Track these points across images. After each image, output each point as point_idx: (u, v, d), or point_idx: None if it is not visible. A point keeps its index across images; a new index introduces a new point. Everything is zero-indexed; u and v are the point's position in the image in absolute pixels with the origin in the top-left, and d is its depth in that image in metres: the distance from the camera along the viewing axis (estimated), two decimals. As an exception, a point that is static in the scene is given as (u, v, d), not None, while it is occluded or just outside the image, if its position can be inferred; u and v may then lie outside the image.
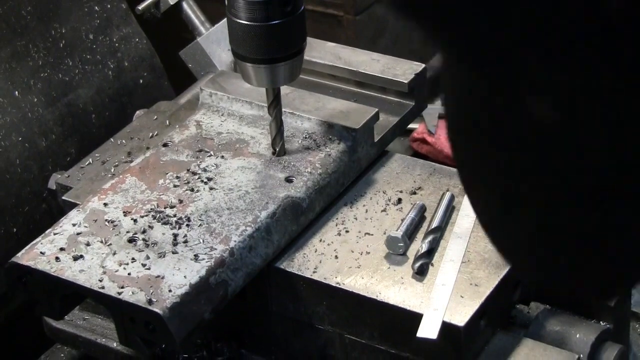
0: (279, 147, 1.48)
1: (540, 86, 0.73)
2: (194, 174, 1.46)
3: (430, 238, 1.39)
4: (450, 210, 1.45)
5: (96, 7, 1.99)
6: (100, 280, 1.31)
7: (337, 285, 1.36)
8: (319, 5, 2.70)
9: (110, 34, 2.00)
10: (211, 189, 1.44)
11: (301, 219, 1.44)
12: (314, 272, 1.38)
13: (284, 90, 1.51)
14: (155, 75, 2.07)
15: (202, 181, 1.45)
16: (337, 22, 2.70)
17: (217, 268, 1.33)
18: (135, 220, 1.39)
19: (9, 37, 1.87)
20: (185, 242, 1.36)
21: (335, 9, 2.70)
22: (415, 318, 1.31)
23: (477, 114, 0.80)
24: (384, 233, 1.42)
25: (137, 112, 1.73)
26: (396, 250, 1.40)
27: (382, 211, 1.47)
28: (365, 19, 2.73)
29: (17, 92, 1.86)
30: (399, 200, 1.48)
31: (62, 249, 1.36)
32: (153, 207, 1.41)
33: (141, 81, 2.04)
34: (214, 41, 1.80)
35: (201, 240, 1.36)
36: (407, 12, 0.76)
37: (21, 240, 1.74)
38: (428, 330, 1.29)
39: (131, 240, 1.36)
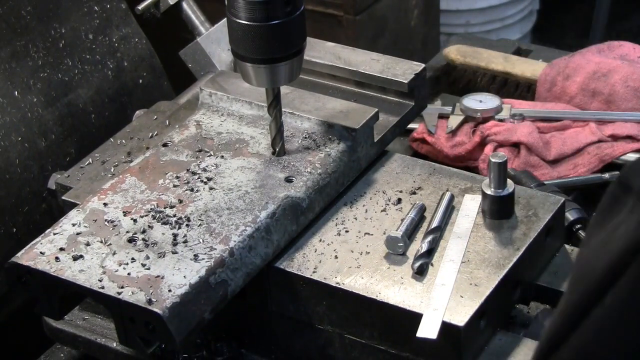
0: (278, 147, 1.48)
1: None
2: (194, 173, 1.46)
3: (430, 238, 1.39)
4: (449, 210, 1.45)
5: (96, 7, 1.99)
6: (100, 280, 1.31)
7: (337, 285, 1.36)
8: (319, 5, 2.70)
9: (110, 34, 2.00)
10: (211, 189, 1.44)
11: (301, 219, 1.44)
12: (314, 272, 1.38)
13: (284, 90, 1.51)
14: (154, 75, 2.07)
15: (201, 181, 1.45)
16: (337, 22, 2.70)
17: (216, 268, 1.33)
18: (135, 220, 1.39)
19: (9, 37, 1.87)
20: (185, 242, 1.36)
21: (335, 9, 2.70)
22: (415, 318, 1.31)
23: None
24: (384, 233, 1.42)
25: (137, 112, 1.73)
26: (396, 250, 1.40)
27: (381, 211, 1.47)
28: (365, 19, 2.73)
29: (16, 92, 1.86)
30: (399, 200, 1.48)
31: (61, 249, 1.36)
32: (153, 207, 1.41)
33: (141, 81, 2.04)
34: (214, 41, 1.80)
35: (201, 240, 1.36)
36: None
37: (21, 240, 1.74)
38: (428, 330, 1.29)
39: (131, 240, 1.36)
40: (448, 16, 3.27)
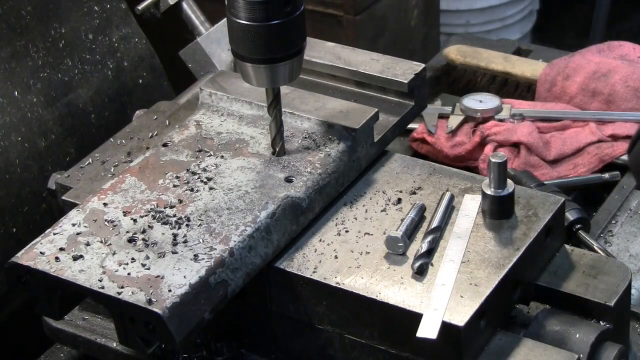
0: (278, 147, 1.48)
1: None
2: (194, 173, 1.46)
3: (429, 238, 1.39)
4: (449, 210, 1.45)
5: (96, 7, 1.99)
6: (100, 280, 1.31)
7: (337, 285, 1.36)
8: (319, 5, 2.71)
9: (110, 34, 2.00)
10: (211, 188, 1.44)
11: (301, 219, 1.44)
12: (314, 272, 1.38)
13: (284, 90, 1.51)
14: (154, 75, 2.07)
15: (201, 181, 1.45)
16: (337, 22, 2.71)
17: (216, 268, 1.33)
18: (135, 220, 1.39)
19: (9, 37, 1.87)
20: (185, 242, 1.36)
21: (335, 9, 2.70)
22: (415, 318, 1.31)
23: None
24: (384, 233, 1.42)
25: (137, 112, 1.73)
26: (396, 250, 1.40)
27: (381, 211, 1.47)
28: (365, 19, 2.73)
29: (16, 92, 1.86)
30: (399, 200, 1.48)
31: (61, 249, 1.36)
32: (153, 207, 1.41)
33: (141, 81, 2.05)
34: (214, 41, 1.80)
35: (201, 240, 1.36)
36: None
37: (21, 240, 1.74)
38: (428, 330, 1.29)
39: (131, 240, 1.36)
40: (448, 16, 3.27)
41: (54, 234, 1.38)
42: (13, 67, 1.86)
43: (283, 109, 1.48)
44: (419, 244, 1.39)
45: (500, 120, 1.89)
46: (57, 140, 1.90)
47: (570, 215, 1.64)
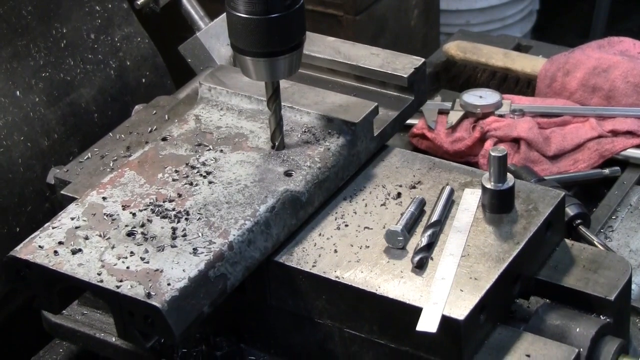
0: (278, 141, 1.48)
1: None
2: (193, 167, 1.46)
3: (429, 232, 1.39)
4: (449, 204, 1.45)
5: (97, 7, 1.99)
6: (99, 274, 1.31)
7: (337, 279, 1.36)
8: (319, 5, 2.71)
9: (112, 33, 2.00)
10: (210, 182, 1.44)
11: (300, 213, 1.44)
12: (313, 266, 1.38)
13: (284, 84, 1.51)
14: (157, 74, 2.07)
15: (201, 175, 1.45)
16: (337, 22, 2.71)
17: (216, 262, 1.33)
18: (134, 214, 1.39)
19: (10, 37, 1.87)
20: (184, 235, 1.36)
21: (335, 9, 2.70)
22: (414, 312, 1.31)
23: None
24: (384, 227, 1.42)
25: (136, 106, 1.73)
26: (395, 244, 1.39)
27: (381, 205, 1.47)
28: (365, 19, 2.73)
29: (18, 92, 1.86)
30: (399, 195, 1.48)
31: (60, 243, 1.36)
32: (152, 200, 1.41)
33: (143, 80, 2.05)
34: (213, 36, 1.80)
35: (200, 234, 1.36)
36: None
37: (24, 239, 1.74)
38: (427, 323, 1.29)
39: (130, 234, 1.36)
40: (448, 16, 3.27)
41: (53, 228, 1.38)
42: (15, 67, 1.87)
43: (282, 103, 1.48)
44: (419, 238, 1.39)
45: (500, 116, 1.89)
46: (59, 140, 1.90)
47: (570, 211, 1.64)
